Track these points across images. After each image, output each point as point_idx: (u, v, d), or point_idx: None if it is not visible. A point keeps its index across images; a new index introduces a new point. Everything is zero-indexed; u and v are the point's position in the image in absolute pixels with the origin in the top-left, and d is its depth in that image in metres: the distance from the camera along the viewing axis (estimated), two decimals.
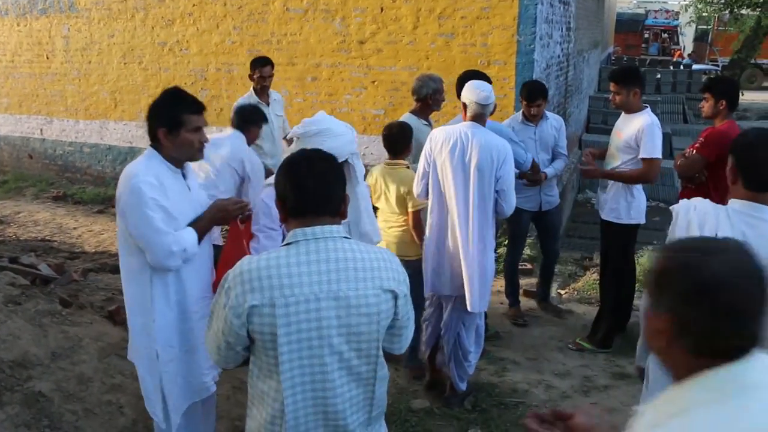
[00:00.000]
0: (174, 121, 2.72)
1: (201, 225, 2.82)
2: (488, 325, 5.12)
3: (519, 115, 5.26)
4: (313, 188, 1.96)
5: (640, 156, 4.47)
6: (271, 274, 1.89)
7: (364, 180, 3.51)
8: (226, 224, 3.07)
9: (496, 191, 3.81)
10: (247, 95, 5.90)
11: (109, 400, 3.76)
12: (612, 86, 4.67)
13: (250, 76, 5.89)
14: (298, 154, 2.08)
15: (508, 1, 6.43)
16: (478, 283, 3.84)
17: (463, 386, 4.12)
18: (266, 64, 5.85)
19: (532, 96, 5.03)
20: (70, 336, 4.16)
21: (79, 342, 4.13)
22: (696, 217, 2.50)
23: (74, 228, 8.03)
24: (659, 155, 4.48)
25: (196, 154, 2.81)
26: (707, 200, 2.59)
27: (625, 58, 17.75)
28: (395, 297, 1.98)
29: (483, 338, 4.22)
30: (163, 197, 2.69)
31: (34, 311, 4.22)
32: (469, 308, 3.88)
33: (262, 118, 4.78)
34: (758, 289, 1.26)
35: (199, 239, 2.80)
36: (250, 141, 4.72)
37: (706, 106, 4.36)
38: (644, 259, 6.20)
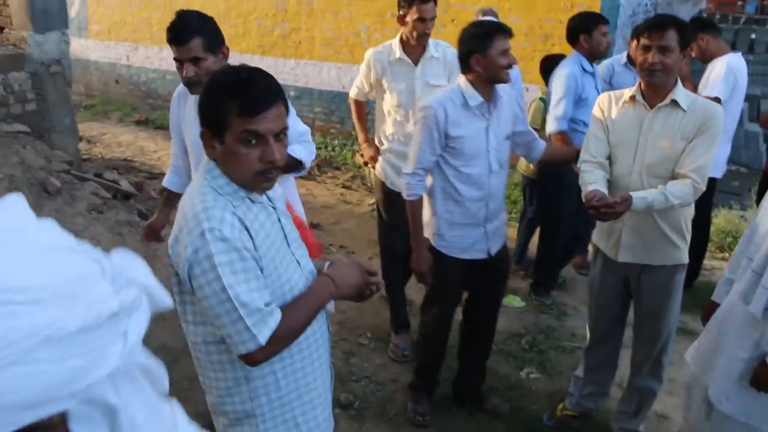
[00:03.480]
0: None
1: None
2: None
3: (622, 57, 4.95)
4: None
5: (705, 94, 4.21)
6: None
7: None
8: None
9: None
10: (388, 44, 3.96)
11: (175, 308, 3.98)
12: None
13: (400, 19, 3.80)
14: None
15: None
16: None
17: None
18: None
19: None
20: (146, 245, 4.39)
21: (154, 252, 4.36)
22: None
23: (154, 151, 8.34)
24: (722, 95, 4.26)
25: None
26: None
27: (717, 15, 16.76)
28: None
29: None
30: None
31: (115, 220, 4.46)
32: None
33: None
34: None
35: None
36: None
37: None
38: (718, 220, 6.00)
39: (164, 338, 3.75)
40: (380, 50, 3.95)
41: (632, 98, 2.84)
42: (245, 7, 8.84)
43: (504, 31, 2.97)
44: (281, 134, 1.66)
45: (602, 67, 4.87)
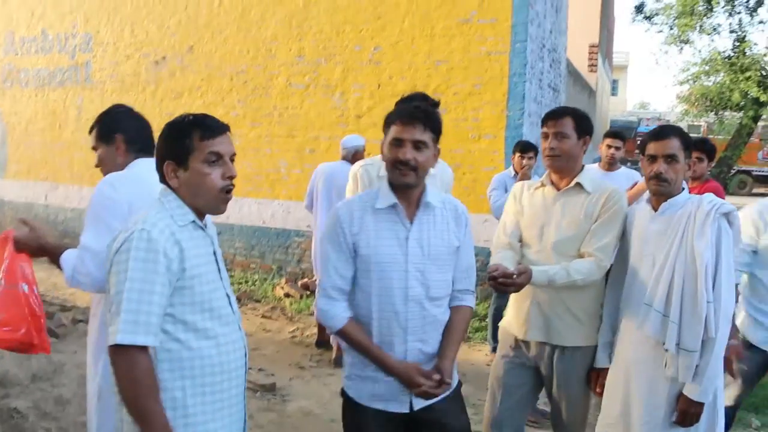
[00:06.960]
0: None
1: None
2: None
3: (510, 170, 5.45)
4: None
5: None
6: None
7: None
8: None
9: None
10: (377, 157, 3.15)
11: (84, 421, 3.77)
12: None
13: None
14: None
15: (498, 78, 6.83)
16: None
17: None
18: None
19: (526, 148, 5.32)
20: (53, 362, 4.23)
21: (62, 367, 4.20)
22: None
23: (68, 288, 8.11)
24: None
25: None
26: None
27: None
28: None
29: None
30: None
31: None
32: None
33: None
34: None
35: None
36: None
37: (701, 166, 4.44)
38: None
39: None
40: (370, 162, 3.43)
41: (542, 183, 3.06)
42: None
43: (402, 114, 2.32)
44: (233, 158, 1.97)
45: (498, 180, 5.39)
